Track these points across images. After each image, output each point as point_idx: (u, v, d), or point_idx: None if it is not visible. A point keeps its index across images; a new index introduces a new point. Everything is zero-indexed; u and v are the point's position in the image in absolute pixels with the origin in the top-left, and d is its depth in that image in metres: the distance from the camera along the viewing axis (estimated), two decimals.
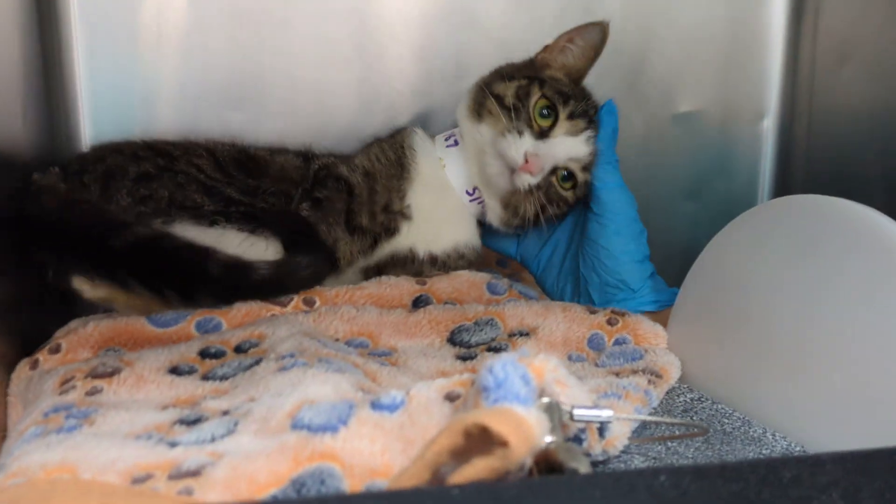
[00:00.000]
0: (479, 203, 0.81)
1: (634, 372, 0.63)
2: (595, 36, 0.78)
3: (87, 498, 0.37)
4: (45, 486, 0.39)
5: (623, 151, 1.08)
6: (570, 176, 0.77)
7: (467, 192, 0.81)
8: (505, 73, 0.81)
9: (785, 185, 1.11)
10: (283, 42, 0.95)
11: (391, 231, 0.79)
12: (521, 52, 1.01)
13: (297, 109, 0.97)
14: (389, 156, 0.81)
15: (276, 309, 0.69)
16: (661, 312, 0.76)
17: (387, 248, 0.80)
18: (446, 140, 0.82)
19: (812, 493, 0.37)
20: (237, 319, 0.68)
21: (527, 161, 0.73)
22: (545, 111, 0.75)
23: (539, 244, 0.84)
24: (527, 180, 0.74)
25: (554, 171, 0.76)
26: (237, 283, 0.67)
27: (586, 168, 0.77)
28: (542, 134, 0.75)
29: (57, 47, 0.89)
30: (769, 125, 1.11)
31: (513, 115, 0.75)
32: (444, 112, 1.00)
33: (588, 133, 0.77)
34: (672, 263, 1.09)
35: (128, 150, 0.77)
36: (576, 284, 0.81)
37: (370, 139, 0.90)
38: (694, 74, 1.07)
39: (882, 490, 0.37)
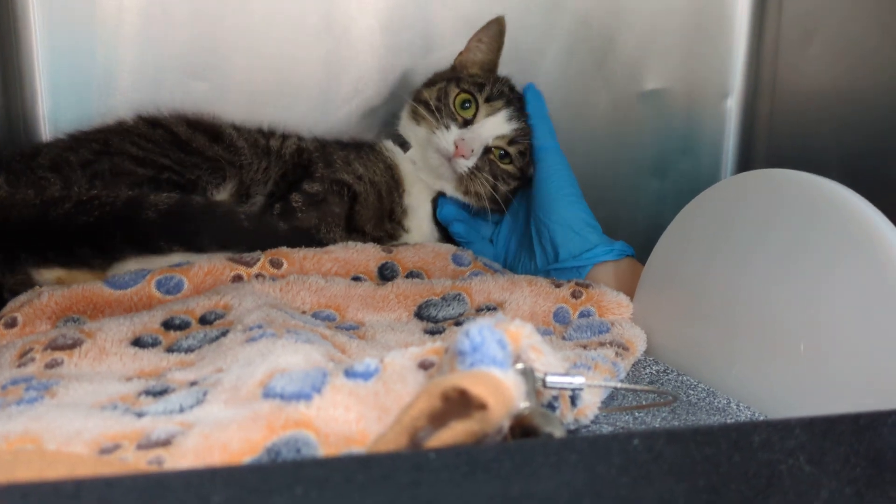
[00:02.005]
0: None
1: (602, 345, 0.63)
2: (495, 30, 0.88)
3: (54, 468, 0.35)
4: (8, 457, 0.38)
5: (590, 129, 1.09)
6: (506, 153, 0.85)
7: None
8: (430, 81, 0.90)
9: (748, 162, 1.13)
10: (248, 11, 0.93)
11: (394, 237, 0.86)
12: None
13: (262, 80, 0.95)
14: (381, 168, 0.87)
15: (242, 269, 0.68)
16: (619, 263, 0.78)
17: None
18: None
19: (780, 457, 0.38)
20: (199, 278, 0.67)
21: (457, 147, 0.81)
22: (466, 104, 0.84)
23: (505, 238, 0.88)
24: (463, 164, 0.82)
25: (488, 150, 0.84)
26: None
27: (514, 142, 0.85)
28: (467, 123, 0.84)
29: (13, 17, 0.85)
30: (733, 103, 1.12)
31: (437, 114, 0.84)
32: (411, 86, 0.99)
33: (509, 111, 0.85)
34: (637, 239, 1.10)
35: (61, 144, 0.78)
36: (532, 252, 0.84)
37: (342, 139, 0.91)
38: (660, 53, 1.08)
39: (847, 455, 0.38)
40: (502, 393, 0.35)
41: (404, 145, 0.89)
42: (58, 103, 0.88)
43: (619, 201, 1.12)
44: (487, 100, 0.84)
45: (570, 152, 1.00)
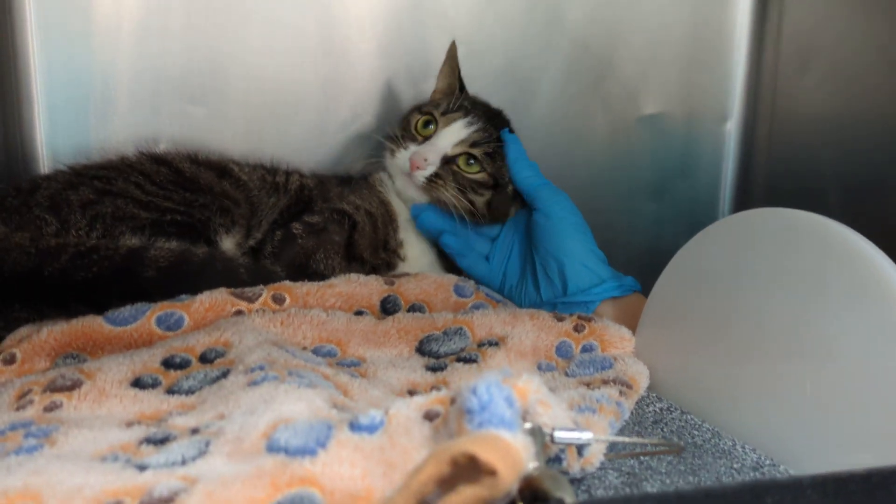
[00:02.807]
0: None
1: (605, 382, 0.63)
2: (450, 54, 0.92)
3: None
4: None
5: (588, 152, 1.09)
6: (472, 157, 0.85)
7: None
8: (400, 118, 0.92)
9: (747, 185, 1.13)
10: (246, 36, 0.92)
11: (391, 266, 0.87)
12: (488, 50, 1.01)
13: (260, 104, 0.95)
14: (376, 202, 0.87)
15: (243, 304, 0.68)
16: (626, 298, 0.78)
17: None
18: None
19: None
20: (200, 313, 0.66)
21: (411, 162, 0.84)
22: (428, 124, 0.87)
23: (501, 257, 0.88)
24: (419, 175, 0.84)
25: (451, 161, 0.85)
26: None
27: (477, 144, 0.86)
28: (427, 139, 0.86)
29: (11, 42, 0.85)
30: (732, 127, 1.12)
31: (401, 140, 0.87)
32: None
33: (467, 119, 0.87)
34: (635, 262, 1.10)
35: (61, 178, 0.76)
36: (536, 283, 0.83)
37: (339, 175, 0.93)
38: (659, 77, 1.08)
39: None
40: (512, 457, 0.35)
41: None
42: (55, 130, 0.88)
43: (616, 223, 1.12)
44: (444, 113, 0.87)
45: (568, 175, 1.01)
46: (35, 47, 0.85)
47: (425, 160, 0.84)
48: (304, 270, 0.79)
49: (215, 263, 0.69)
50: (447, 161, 0.85)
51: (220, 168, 0.82)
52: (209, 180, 0.79)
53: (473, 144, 0.86)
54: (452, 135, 0.86)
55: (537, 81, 1.04)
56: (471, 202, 0.85)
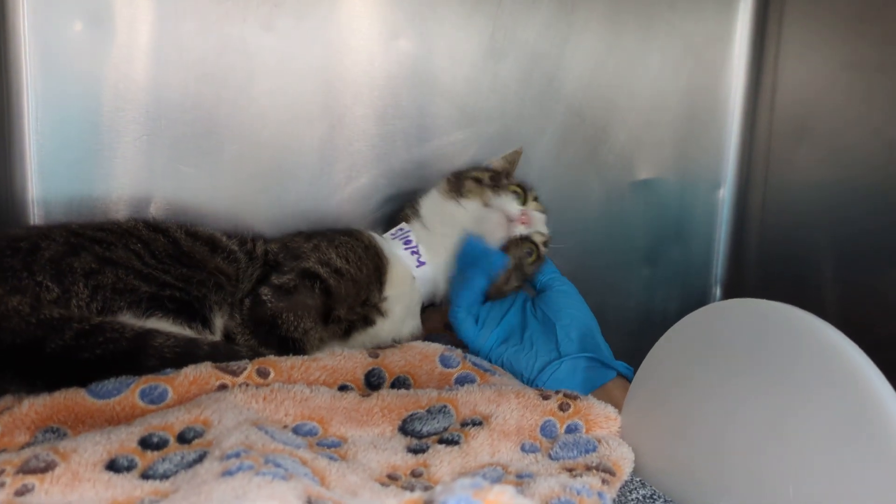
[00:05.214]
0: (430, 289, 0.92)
1: (588, 469, 0.62)
2: (515, 155, 0.99)
3: None
4: None
5: (582, 217, 1.10)
6: (532, 252, 0.91)
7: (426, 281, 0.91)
8: (471, 169, 0.95)
9: (740, 252, 1.13)
10: (243, 99, 0.93)
11: (368, 322, 0.86)
12: (484, 117, 1.02)
13: (255, 166, 0.95)
14: (361, 255, 0.85)
15: (228, 378, 0.67)
16: (622, 380, 0.79)
17: (359, 338, 0.84)
18: (405, 244, 0.90)
19: None
20: (184, 387, 0.66)
21: (522, 213, 0.88)
22: (516, 195, 0.91)
23: (493, 336, 0.87)
24: (521, 229, 0.88)
25: (524, 240, 0.89)
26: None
27: (545, 245, 0.92)
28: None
29: (7, 96, 0.86)
30: (725, 194, 1.13)
31: (496, 187, 0.90)
32: (404, 174, 0.99)
33: (545, 217, 0.93)
34: (626, 326, 1.10)
35: (60, 238, 0.73)
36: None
37: (310, 230, 0.91)
38: (653, 144, 1.09)
39: None
40: None
41: (402, 232, 0.91)
42: (49, 188, 0.88)
43: (609, 287, 1.12)
44: (535, 199, 0.93)
45: (562, 239, 1.01)
46: (31, 107, 0.86)
47: (530, 221, 0.89)
48: (275, 333, 0.76)
49: (219, 357, 0.68)
50: (523, 238, 0.90)
51: (211, 241, 0.81)
52: (203, 255, 0.78)
53: (545, 244, 0.92)
54: (540, 222, 0.92)
55: (532, 147, 1.04)
56: (511, 280, 0.89)
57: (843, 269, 0.97)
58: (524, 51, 1.01)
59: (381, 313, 0.86)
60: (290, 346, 0.75)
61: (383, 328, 0.87)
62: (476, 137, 1.01)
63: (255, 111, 0.94)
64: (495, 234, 0.88)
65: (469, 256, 0.86)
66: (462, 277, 0.86)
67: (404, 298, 0.88)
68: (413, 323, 0.90)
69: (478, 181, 0.91)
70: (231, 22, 0.90)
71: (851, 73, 0.97)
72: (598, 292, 1.08)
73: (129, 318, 0.69)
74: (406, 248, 0.89)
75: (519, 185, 0.92)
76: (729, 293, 1.12)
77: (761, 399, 0.56)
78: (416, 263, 0.89)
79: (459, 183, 0.91)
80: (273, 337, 0.75)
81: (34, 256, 0.70)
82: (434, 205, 0.91)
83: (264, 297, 0.77)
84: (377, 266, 0.86)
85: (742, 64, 1.08)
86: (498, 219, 0.88)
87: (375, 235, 0.91)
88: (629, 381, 0.80)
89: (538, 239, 0.91)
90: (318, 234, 0.88)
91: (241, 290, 0.79)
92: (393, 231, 0.92)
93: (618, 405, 0.73)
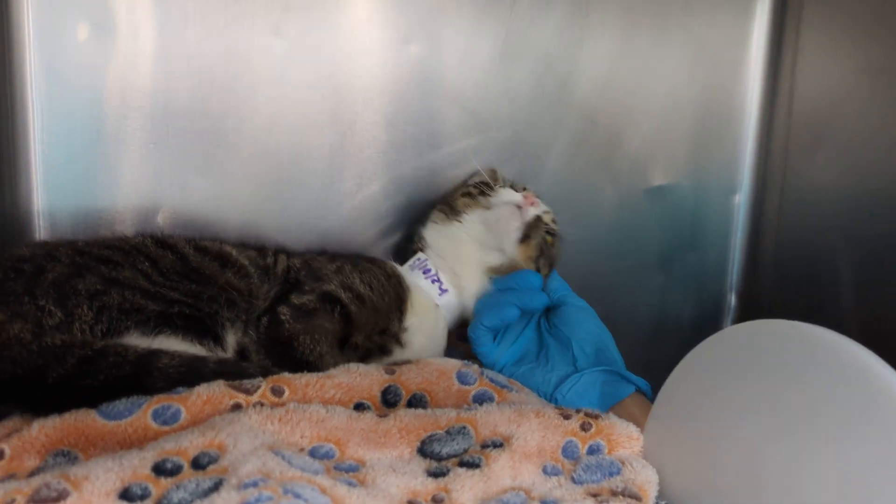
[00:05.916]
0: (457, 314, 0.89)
1: (614, 494, 0.61)
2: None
3: None
4: None
5: (595, 223, 1.08)
6: (549, 232, 0.91)
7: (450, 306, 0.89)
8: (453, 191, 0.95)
9: (755, 259, 1.11)
10: (251, 108, 0.91)
11: (385, 351, 0.83)
12: (495, 122, 1.00)
13: (265, 175, 0.93)
14: (384, 284, 0.84)
15: (241, 396, 0.65)
16: (640, 397, 0.78)
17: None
18: (425, 273, 0.88)
19: None
20: (197, 406, 0.64)
21: (525, 197, 0.89)
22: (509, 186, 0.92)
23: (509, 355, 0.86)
24: (532, 210, 0.88)
25: (538, 221, 0.89)
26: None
27: (554, 222, 0.92)
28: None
29: (11, 107, 0.84)
30: (741, 200, 1.11)
31: (490, 190, 0.90)
32: (415, 181, 0.98)
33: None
34: (640, 333, 1.09)
35: (66, 259, 0.71)
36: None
37: (336, 251, 0.91)
38: (667, 150, 1.07)
39: None
40: None
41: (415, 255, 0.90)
42: (54, 200, 0.86)
43: (623, 294, 1.10)
44: (524, 189, 0.92)
45: (576, 247, 0.99)
46: (36, 119, 0.84)
47: (537, 201, 0.89)
48: (290, 354, 0.75)
49: (226, 373, 0.66)
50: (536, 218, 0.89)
51: (220, 256, 0.79)
52: (213, 271, 0.76)
53: (554, 221, 0.92)
54: (542, 203, 0.91)
55: (545, 153, 1.03)
56: (544, 261, 0.89)
57: (861, 277, 0.96)
58: (536, 55, 0.99)
59: (400, 343, 0.85)
60: (304, 368, 0.73)
61: (401, 358, 0.85)
62: (487, 144, 0.99)
63: (263, 118, 0.92)
64: (512, 225, 0.87)
65: (513, 280, 0.85)
66: (496, 298, 0.84)
67: (426, 328, 0.86)
68: (435, 350, 0.88)
69: (468, 195, 0.91)
70: (238, 28, 0.88)
71: (870, 78, 0.95)
72: (612, 299, 1.07)
73: (136, 338, 0.67)
74: (426, 277, 0.88)
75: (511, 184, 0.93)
76: (744, 301, 1.11)
77: (795, 424, 0.54)
78: (438, 292, 0.87)
79: (451, 205, 0.91)
80: (287, 358, 0.74)
81: (37, 279, 0.69)
82: (438, 235, 0.90)
83: (283, 317, 0.76)
84: (398, 295, 0.85)
85: (758, 69, 1.06)
86: (507, 211, 0.87)
87: (396, 265, 0.89)
88: (647, 397, 0.78)
89: (547, 218, 0.91)
90: (341, 256, 0.87)
91: (258, 307, 0.77)
92: (411, 262, 0.90)
93: (637, 423, 0.71)
